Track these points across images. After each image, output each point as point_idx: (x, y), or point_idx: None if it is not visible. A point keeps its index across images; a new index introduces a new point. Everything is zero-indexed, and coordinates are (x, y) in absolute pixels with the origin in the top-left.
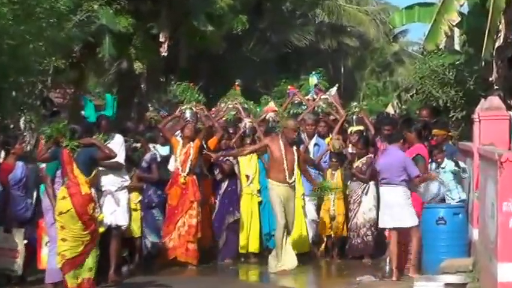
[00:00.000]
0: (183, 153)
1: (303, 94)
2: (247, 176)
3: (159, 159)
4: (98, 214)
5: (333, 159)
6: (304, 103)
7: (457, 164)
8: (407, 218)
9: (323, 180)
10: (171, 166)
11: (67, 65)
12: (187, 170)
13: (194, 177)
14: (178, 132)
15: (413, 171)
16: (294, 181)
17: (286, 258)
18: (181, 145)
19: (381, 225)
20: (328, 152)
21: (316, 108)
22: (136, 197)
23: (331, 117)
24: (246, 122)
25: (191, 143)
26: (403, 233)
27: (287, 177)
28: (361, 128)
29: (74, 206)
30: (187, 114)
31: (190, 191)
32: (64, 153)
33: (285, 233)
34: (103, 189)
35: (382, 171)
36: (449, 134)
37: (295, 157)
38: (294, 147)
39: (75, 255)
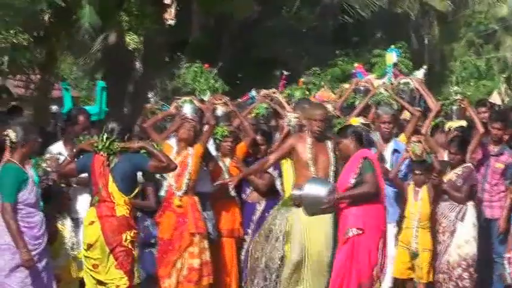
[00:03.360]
0: (178, 163)
1: (376, 77)
2: None
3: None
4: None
5: (416, 171)
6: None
7: None
8: None
9: None
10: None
11: (31, 41)
12: (183, 187)
13: (195, 198)
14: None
15: None
16: None
17: None
18: (176, 153)
19: None
20: (408, 160)
21: (374, 97)
22: None
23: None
24: (291, 118)
25: (189, 148)
26: None
27: None
28: (464, 123)
29: (104, 231)
30: (186, 109)
31: (189, 218)
32: (96, 160)
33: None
34: (78, 216)
35: None
36: None
37: (331, 158)
38: (330, 144)
39: None
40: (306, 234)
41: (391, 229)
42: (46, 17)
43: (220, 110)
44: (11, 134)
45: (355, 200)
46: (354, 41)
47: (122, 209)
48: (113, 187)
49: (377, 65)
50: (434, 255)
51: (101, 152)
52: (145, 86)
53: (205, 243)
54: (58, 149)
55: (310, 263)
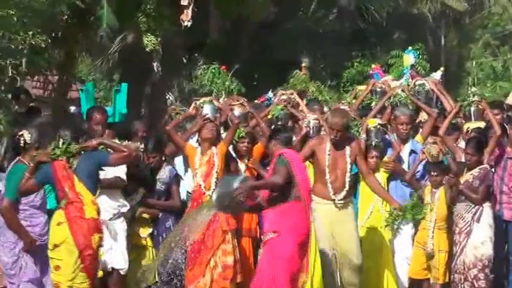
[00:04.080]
0: (205, 162)
1: (393, 78)
2: None
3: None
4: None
5: (433, 172)
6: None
7: None
8: None
9: (412, 200)
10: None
11: (49, 42)
12: (212, 185)
13: None
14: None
15: None
16: (345, 199)
17: None
18: (200, 153)
19: None
20: (425, 161)
21: (392, 98)
22: (145, 230)
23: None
24: (310, 120)
25: (213, 148)
26: None
27: (331, 192)
28: (482, 125)
29: (73, 234)
30: (207, 109)
31: (221, 216)
32: (57, 167)
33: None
34: None
35: None
36: None
37: (348, 165)
38: (348, 151)
39: None
40: (331, 229)
41: (408, 230)
42: (64, 18)
43: (237, 111)
44: (26, 135)
45: (271, 199)
46: (371, 42)
47: (90, 210)
48: (80, 186)
49: (394, 66)
50: (451, 256)
51: (60, 158)
52: (163, 87)
53: (235, 241)
54: None
55: (342, 260)
